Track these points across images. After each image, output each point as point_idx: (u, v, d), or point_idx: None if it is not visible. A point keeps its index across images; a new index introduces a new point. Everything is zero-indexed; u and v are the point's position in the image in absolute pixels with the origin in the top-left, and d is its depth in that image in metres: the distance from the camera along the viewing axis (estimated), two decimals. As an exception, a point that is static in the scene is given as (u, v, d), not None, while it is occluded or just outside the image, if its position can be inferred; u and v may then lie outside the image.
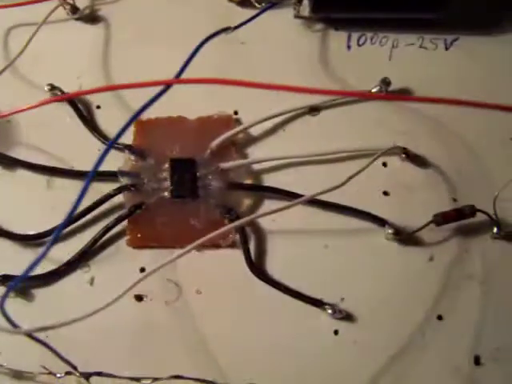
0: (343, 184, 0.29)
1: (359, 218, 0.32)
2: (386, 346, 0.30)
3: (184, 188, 0.31)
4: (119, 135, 0.23)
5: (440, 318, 0.31)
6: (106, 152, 0.23)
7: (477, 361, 0.30)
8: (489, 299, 0.31)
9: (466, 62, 0.36)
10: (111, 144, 0.24)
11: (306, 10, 0.35)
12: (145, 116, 0.33)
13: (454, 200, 0.33)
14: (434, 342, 0.30)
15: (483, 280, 0.32)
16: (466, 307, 0.31)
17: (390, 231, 0.31)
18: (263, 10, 0.34)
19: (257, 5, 0.35)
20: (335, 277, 0.31)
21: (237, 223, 0.27)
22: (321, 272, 0.31)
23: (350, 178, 0.29)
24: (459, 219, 0.31)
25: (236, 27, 0.32)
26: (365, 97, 0.33)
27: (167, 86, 0.24)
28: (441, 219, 0.31)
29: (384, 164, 0.33)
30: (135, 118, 0.23)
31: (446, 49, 0.36)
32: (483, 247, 0.32)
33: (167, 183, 0.31)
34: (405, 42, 0.36)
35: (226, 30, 0.31)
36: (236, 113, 0.34)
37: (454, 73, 0.35)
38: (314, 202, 0.31)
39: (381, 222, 0.32)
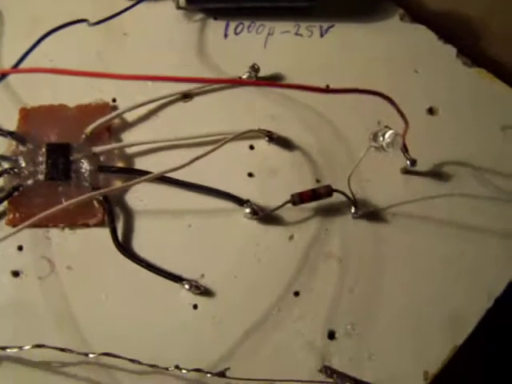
0: (187, 164, 0.30)
1: (221, 198, 0.33)
2: (243, 320, 0.32)
3: (57, 171, 0.33)
4: None
5: (297, 294, 0.32)
6: None
7: (331, 335, 0.32)
8: (345, 276, 0.32)
9: (339, 48, 0.37)
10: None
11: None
12: (31, 103, 0.36)
13: (318, 181, 0.34)
14: (289, 317, 0.32)
15: (341, 258, 0.33)
16: (322, 284, 0.32)
17: (247, 210, 0.33)
18: (136, 3, 0.35)
19: (131, -3, 0.36)
20: (197, 254, 0.33)
21: (88, 195, 0.29)
22: (184, 250, 0.33)
23: (194, 160, 0.30)
24: (316, 199, 0.32)
25: (99, 22, 0.34)
26: (234, 82, 0.34)
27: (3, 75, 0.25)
28: (297, 199, 0.32)
29: (251, 147, 0.35)
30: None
31: (321, 36, 0.37)
32: (342, 226, 0.33)
33: (43, 167, 0.34)
34: (281, 30, 0.37)
35: (80, 21, 0.33)
36: (114, 100, 0.36)
37: (325, 59, 0.36)
38: (176, 182, 0.33)
39: (240, 201, 0.33)
